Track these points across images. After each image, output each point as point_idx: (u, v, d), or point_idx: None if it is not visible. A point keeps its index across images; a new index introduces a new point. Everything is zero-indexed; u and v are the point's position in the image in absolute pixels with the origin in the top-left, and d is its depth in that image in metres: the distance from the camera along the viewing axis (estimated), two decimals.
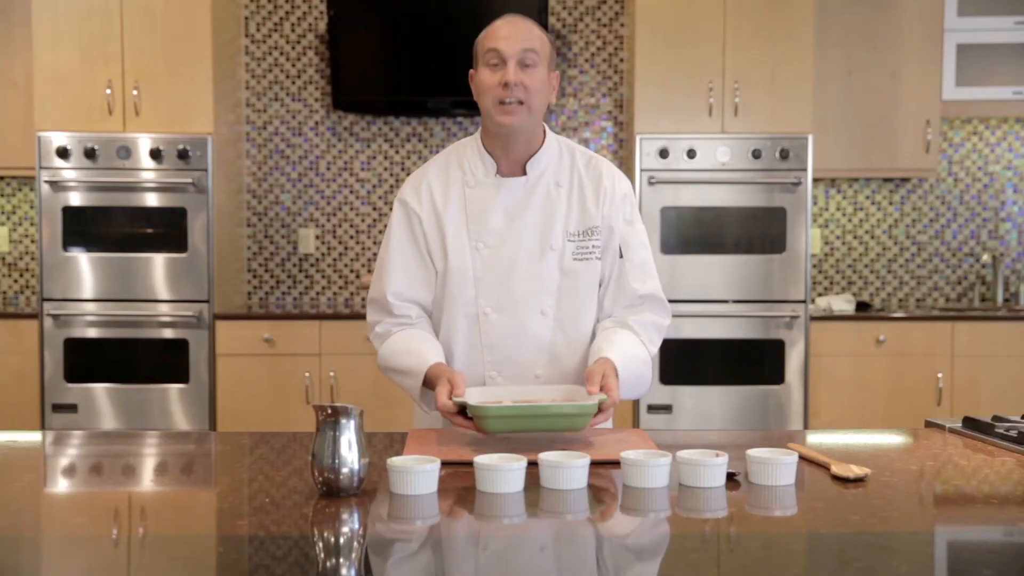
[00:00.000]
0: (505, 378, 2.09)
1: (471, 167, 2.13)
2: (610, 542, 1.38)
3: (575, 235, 2.11)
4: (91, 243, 4.45)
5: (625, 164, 4.95)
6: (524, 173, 2.12)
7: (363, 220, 5.07)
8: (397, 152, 5.05)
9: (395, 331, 2.13)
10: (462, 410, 1.84)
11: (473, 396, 1.89)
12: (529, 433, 1.85)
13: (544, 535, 1.40)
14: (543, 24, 4.66)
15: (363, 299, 5.07)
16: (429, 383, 2.00)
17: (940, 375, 4.52)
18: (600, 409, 1.83)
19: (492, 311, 2.09)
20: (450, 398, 1.85)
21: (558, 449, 1.72)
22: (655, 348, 2.16)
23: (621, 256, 2.14)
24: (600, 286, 2.15)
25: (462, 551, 1.33)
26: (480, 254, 2.09)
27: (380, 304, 2.14)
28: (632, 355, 2.04)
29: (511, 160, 2.11)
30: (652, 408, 4.46)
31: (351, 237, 5.07)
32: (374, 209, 5.07)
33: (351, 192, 5.06)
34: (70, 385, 4.45)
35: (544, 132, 2.14)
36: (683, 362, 4.46)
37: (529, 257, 2.09)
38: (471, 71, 2.12)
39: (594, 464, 1.63)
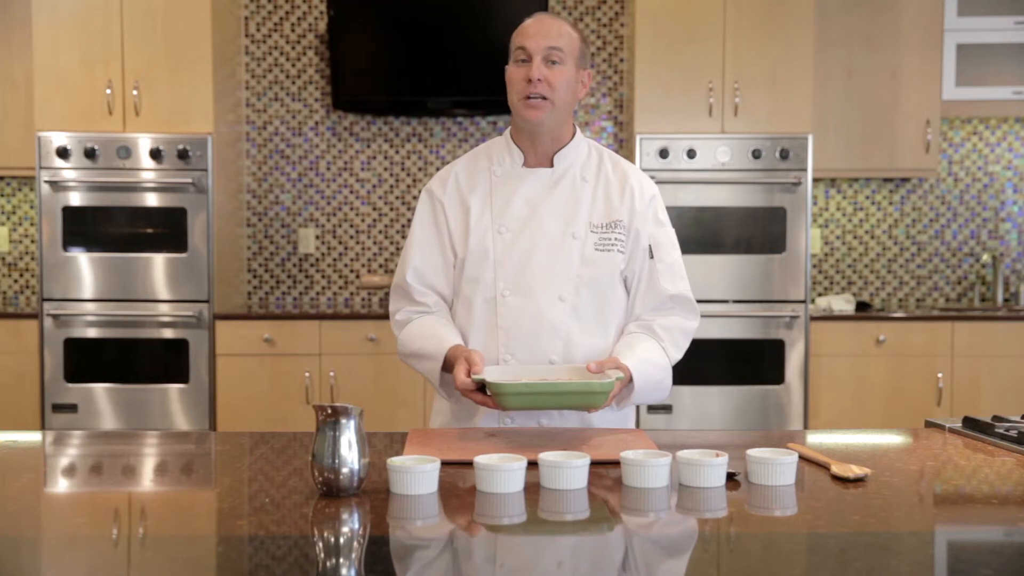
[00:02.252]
0: (519, 362, 2.10)
1: (499, 157, 2.19)
2: (609, 542, 1.38)
3: (598, 226, 2.15)
4: (91, 243, 4.45)
5: None
6: (551, 166, 2.17)
7: (363, 220, 5.07)
8: (397, 152, 5.05)
9: (415, 318, 2.17)
10: (481, 388, 1.88)
11: (491, 374, 1.92)
12: (544, 409, 1.91)
13: (544, 535, 1.40)
14: None
15: (363, 299, 5.07)
16: (448, 365, 2.03)
17: (940, 375, 4.52)
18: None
19: (510, 293, 2.11)
20: (468, 376, 1.89)
21: (558, 449, 1.73)
22: (679, 353, 2.22)
23: (652, 257, 2.18)
24: (626, 285, 2.19)
25: (462, 551, 1.33)
26: (501, 237, 2.12)
27: (401, 289, 2.19)
28: (650, 360, 2.07)
29: (539, 153, 2.17)
30: (652, 408, 4.46)
31: (351, 237, 5.07)
32: (374, 209, 5.07)
33: (351, 192, 5.06)
34: (70, 385, 4.44)
35: (574, 130, 2.20)
36: (683, 362, 4.41)
37: (550, 243, 2.12)
38: (507, 67, 2.16)
39: (594, 464, 1.63)
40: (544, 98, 2.06)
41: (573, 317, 2.12)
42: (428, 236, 2.18)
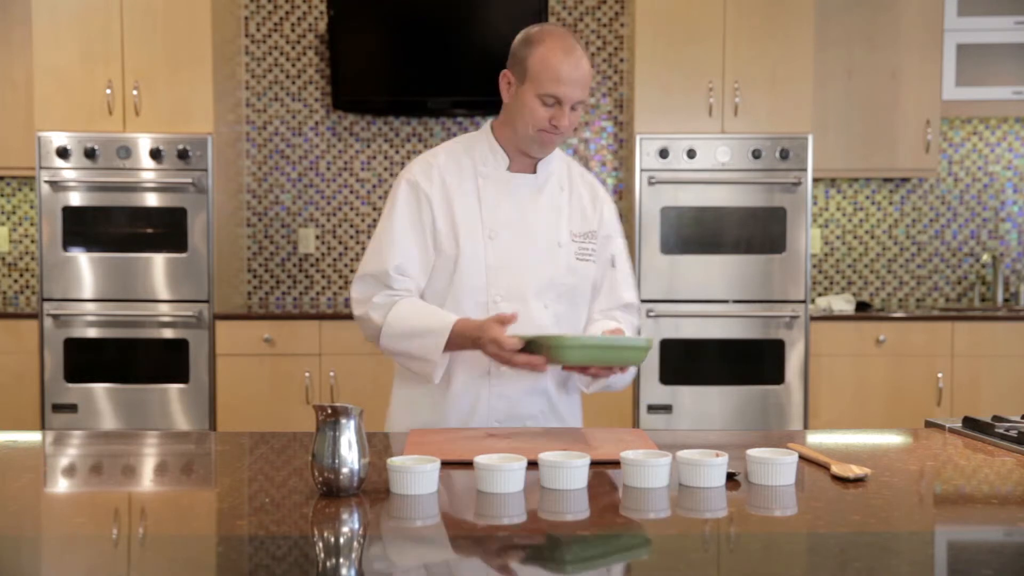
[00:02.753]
0: (505, 374, 2.11)
1: (482, 158, 2.16)
2: (609, 542, 1.38)
3: (578, 236, 2.19)
4: (91, 243, 4.45)
5: (625, 164, 4.95)
6: (533, 172, 2.18)
7: (363, 220, 5.07)
8: (397, 152, 5.05)
9: (398, 300, 2.11)
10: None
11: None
12: (593, 365, 1.96)
13: (544, 535, 1.40)
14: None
15: None
16: (458, 339, 2.01)
17: (940, 375, 4.52)
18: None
19: (502, 300, 2.11)
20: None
21: (558, 449, 1.73)
22: None
23: (614, 266, 2.26)
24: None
25: (462, 552, 1.33)
26: (493, 243, 2.11)
27: (378, 279, 2.11)
28: None
29: (523, 160, 2.17)
30: (652, 408, 4.46)
31: (351, 237, 5.07)
32: (374, 209, 5.07)
33: (351, 192, 5.06)
34: (70, 385, 4.44)
35: None
36: (683, 362, 4.46)
37: (540, 250, 2.14)
38: (506, 71, 2.12)
39: (594, 464, 1.63)
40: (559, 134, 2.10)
41: (555, 324, 2.15)
42: (411, 230, 2.11)
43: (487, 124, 2.22)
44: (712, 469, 1.55)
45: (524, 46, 2.08)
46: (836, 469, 1.64)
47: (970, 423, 2.03)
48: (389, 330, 2.10)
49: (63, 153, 4.41)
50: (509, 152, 2.16)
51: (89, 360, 4.45)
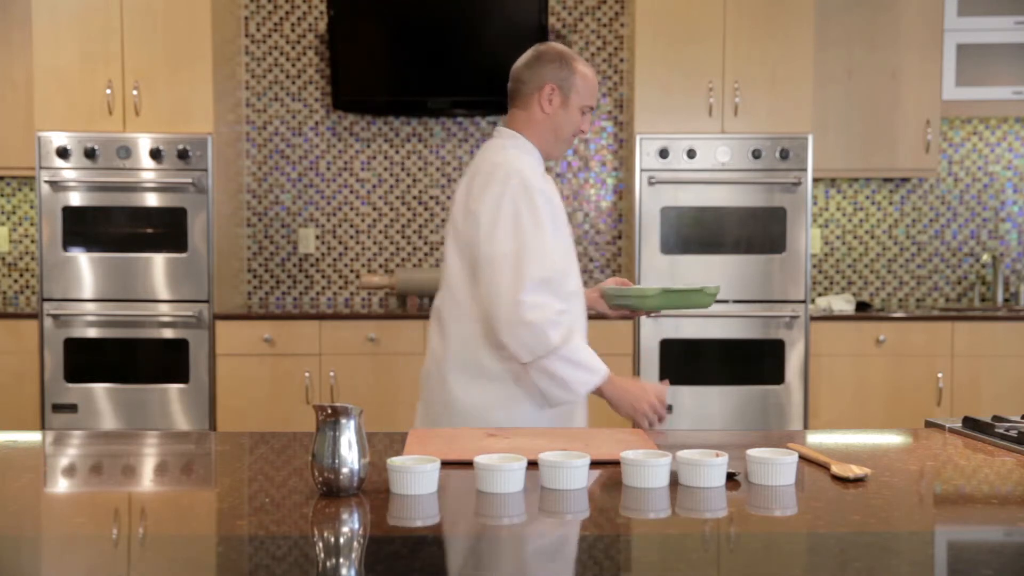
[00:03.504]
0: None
1: (537, 164, 2.37)
2: (609, 542, 1.38)
3: None
4: (91, 243, 4.45)
5: (625, 164, 4.95)
6: None
7: (363, 220, 5.07)
8: (397, 152, 5.05)
9: (572, 327, 2.28)
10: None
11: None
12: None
13: (544, 535, 1.40)
14: (544, 24, 4.66)
15: (363, 299, 5.07)
16: (608, 387, 2.23)
17: (940, 375, 4.52)
18: None
19: (575, 289, 2.37)
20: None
21: (558, 449, 1.73)
22: None
23: None
24: None
25: (462, 551, 1.33)
26: (568, 240, 2.37)
27: (553, 285, 2.24)
28: None
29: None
30: None
31: (351, 237, 5.07)
32: (374, 209, 5.07)
33: (351, 192, 5.06)
34: (70, 385, 4.44)
35: None
36: (683, 362, 4.46)
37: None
38: (552, 85, 2.32)
39: (594, 464, 1.63)
40: None
41: None
42: (555, 238, 2.29)
43: (508, 131, 2.38)
44: (712, 469, 1.55)
45: (562, 65, 2.33)
46: (836, 469, 1.64)
47: (970, 423, 2.03)
48: (567, 353, 2.20)
49: (63, 153, 4.41)
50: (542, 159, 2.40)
51: (89, 360, 4.45)
